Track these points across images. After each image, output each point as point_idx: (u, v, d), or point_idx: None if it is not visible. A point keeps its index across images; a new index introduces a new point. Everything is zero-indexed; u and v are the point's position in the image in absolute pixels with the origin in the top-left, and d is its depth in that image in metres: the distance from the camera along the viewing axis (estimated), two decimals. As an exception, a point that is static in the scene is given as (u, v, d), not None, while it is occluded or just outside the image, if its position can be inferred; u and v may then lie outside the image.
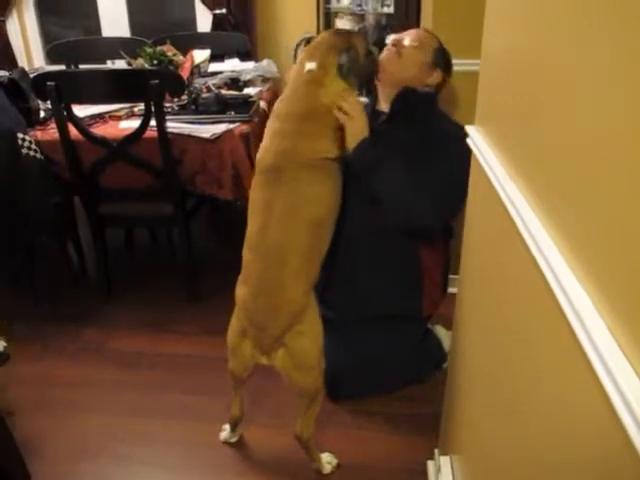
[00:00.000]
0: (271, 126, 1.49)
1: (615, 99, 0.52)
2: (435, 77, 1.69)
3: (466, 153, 1.24)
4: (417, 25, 2.84)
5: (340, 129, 1.48)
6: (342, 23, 3.36)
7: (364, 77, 1.63)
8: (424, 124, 1.63)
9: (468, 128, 1.19)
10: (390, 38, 1.73)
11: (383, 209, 1.58)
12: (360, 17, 3.36)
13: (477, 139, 1.10)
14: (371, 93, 1.83)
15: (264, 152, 1.47)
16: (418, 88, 1.66)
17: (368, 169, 1.53)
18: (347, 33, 1.62)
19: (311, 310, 1.44)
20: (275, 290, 1.40)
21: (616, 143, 0.52)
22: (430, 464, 1.56)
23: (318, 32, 3.45)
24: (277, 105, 1.50)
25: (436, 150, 1.57)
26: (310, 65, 1.46)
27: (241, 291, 1.45)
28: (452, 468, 1.35)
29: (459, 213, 1.56)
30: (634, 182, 0.48)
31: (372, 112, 1.70)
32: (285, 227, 1.40)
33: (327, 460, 1.58)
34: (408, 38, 1.68)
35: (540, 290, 0.67)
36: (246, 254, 1.45)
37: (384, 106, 1.71)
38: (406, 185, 1.54)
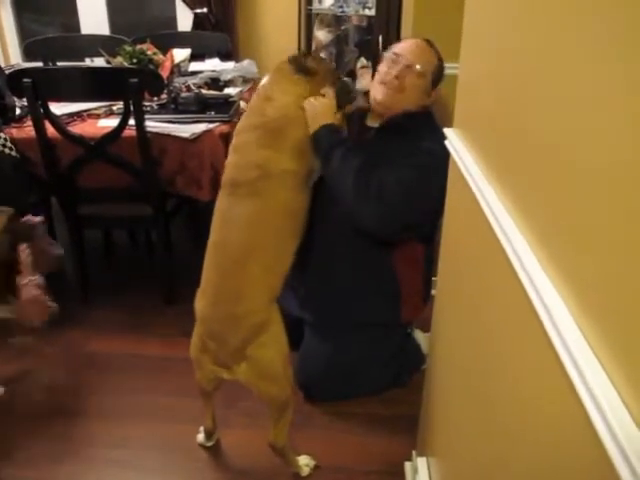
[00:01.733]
0: (232, 142, 1.51)
1: (592, 103, 0.53)
2: (432, 97, 1.64)
3: (432, 166, 1.23)
4: (398, 28, 2.85)
5: (300, 144, 1.48)
6: (322, 34, 3.36)
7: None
8: (408, 141, 1.58)
9: (446, 131, 1.19)
10: (389, 63, 1.61)
11: (335, 203, 1.53)
12: (341, 19, 3.37)
13: (455, 142, 1.11)
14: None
15: (226, 167, 1.49)
16: (412, 109, 1.62)
17: (324, 155, 1.49)
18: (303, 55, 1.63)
19: (274, 321, 1.42)
20: (234, 299, 1.38)
21: (593, 147, 0.52)
22: (407, 465, 1.56)
23: (299, 33, 3.45)
24: (239, 122, 1.53)
25: (402, 159, 1.53)
26: (263, 80, 1.52)
27: (200, 303, 1.43)
28: (429, 470, 1.36)
29: (407, 221, 1.52)
30: (609, 186, 0.49)
31: (360, 125, 1.69)
32: (244, 238, 1.39)
33: (304, 462, 1.57)
34: (412, 63, 1.58)
35: (515, 292, 0.68)
36: (205, 264, 1.44)
37: (374, 122, 1.69)
38: (354, 179, 1.46)
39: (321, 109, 1.50)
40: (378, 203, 1.47)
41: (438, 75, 1.63)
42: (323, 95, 1.54)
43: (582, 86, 0.55)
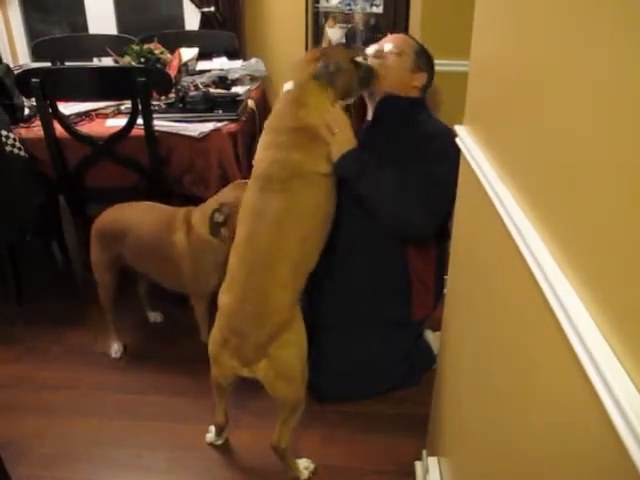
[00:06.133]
0: (265, 139, 1.51)
1: (604, 100, 0.52)
2: (420, 79, 1.69)
3: (449, 151, 1.24)
4: (405, 26, 2.84)
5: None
6: (332, 32, 3.35)
7: (352, 87, 1.58)
8: (407, 128, 1.62)
9: (457, 128, 1.18)
10: (369, 50, 1.73)
11: (376, 217, 1.56)
12: (349, 17, 3.35)
13: (466, 139, 1.10)
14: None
15: (259, 162, 1.49)
16: (402, 94, 1.66)
17: (354, 180, 1.51)
18: (323, 48, 1.63)
19: (297, 321, 1.42)
20: (260, 298, 1.38)
21: (605, 143, 0.52)
22: (418, 465, 1.55)
23: (306, 31, 3.44)
24: (269, 119, 1.53)
25: (419, 152, 1.55)
26: (287, 85, 1.50)
27: (224, 298, 1.43)
28: (440, 469, 1.35)
29: (446, 213, 1.56)
30: (623, 182, 0.48)
31: (360, 118, 1.73)
32: (273, 235, 1.40)
33: (304, 465, 1.56)
34: (388, 46, 1.69)
35: (529, 289, 0.67)
36: (232, 259, 1.44)
37: (371, 115, 1.72)
38: (393, 192, 1.52)
39: (342, 138, 1.49)
40: (423, 207, 1.50)
41: (421, 59, 1.69)
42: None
43: (597, 81, 0.54)
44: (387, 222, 1.57)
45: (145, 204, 1.94)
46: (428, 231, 1.60)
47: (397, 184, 1.52)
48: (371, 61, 1.68)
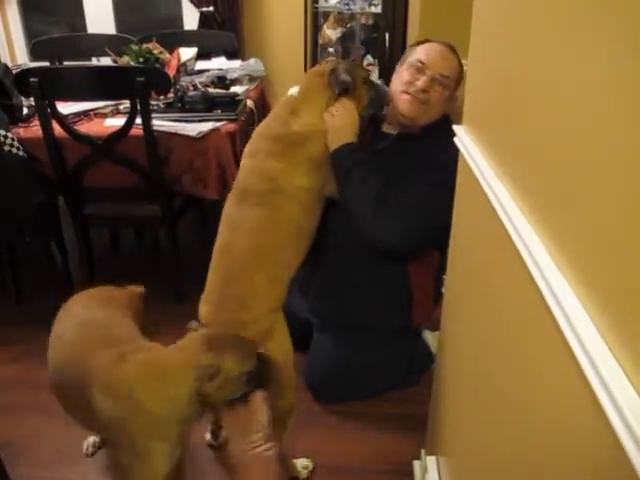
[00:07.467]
0: (248, 146, 1.50)
1: (603, 99, 0.52)
2: (455, 102, 1.57)
3: (451, 183, 1.21)
4: (404, 25, 2.84)
5: (317, 159, 1.45)
6: (331, 32, 3.36)
7: (361, 107, 1.52)
8: (426, 152, 1.53)
9: (456, 128, 1.19)
10: (414, 72, 1.53)
11: (352, 221, 1.50)
12: (348, 17, 3.36)
13: (465, 139, 1.10)
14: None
15: (240, 170, 1.48)
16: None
17: (343, 175, 1.46)
18: (338, 61, 1.57)
19: (279, 329, 1.41)
20: (237, 307, 1.36)
21: (605, 143, 0.52)
22: (416, 464, 1.55)
23: (305, 32, 3.45)
24: (259, 125, 1.51)
25: (421, 175, 1.48)
26: (292, 90, 1.47)
27: (203, 308, 1.42)
28: (438, 468, 1.35)
29: (426, 241, 1.52)
30: (622, 182, 0.48)
31: (375, 130, 1.65)
32: (248, 244, 1.38)
33: (303, 465, 1.56)
34: (438, 74, 1.51)
35: (528, 289, 0.67)
36: (210, 268, 1.43)
37: (391, 129, 1.64)
38: (371, 200, 1.44)
39: (342, 125, 1.45)
40: (397, 221, 1.44)
41: (460, 80, 1.58)
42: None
43: (600, 78, 0.54)
44: (361, 226, 1.49)
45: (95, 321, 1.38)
46: (393, 248, 1.50)
47: (380, 193, 1.45)
48: (413, 96, 1.51)
